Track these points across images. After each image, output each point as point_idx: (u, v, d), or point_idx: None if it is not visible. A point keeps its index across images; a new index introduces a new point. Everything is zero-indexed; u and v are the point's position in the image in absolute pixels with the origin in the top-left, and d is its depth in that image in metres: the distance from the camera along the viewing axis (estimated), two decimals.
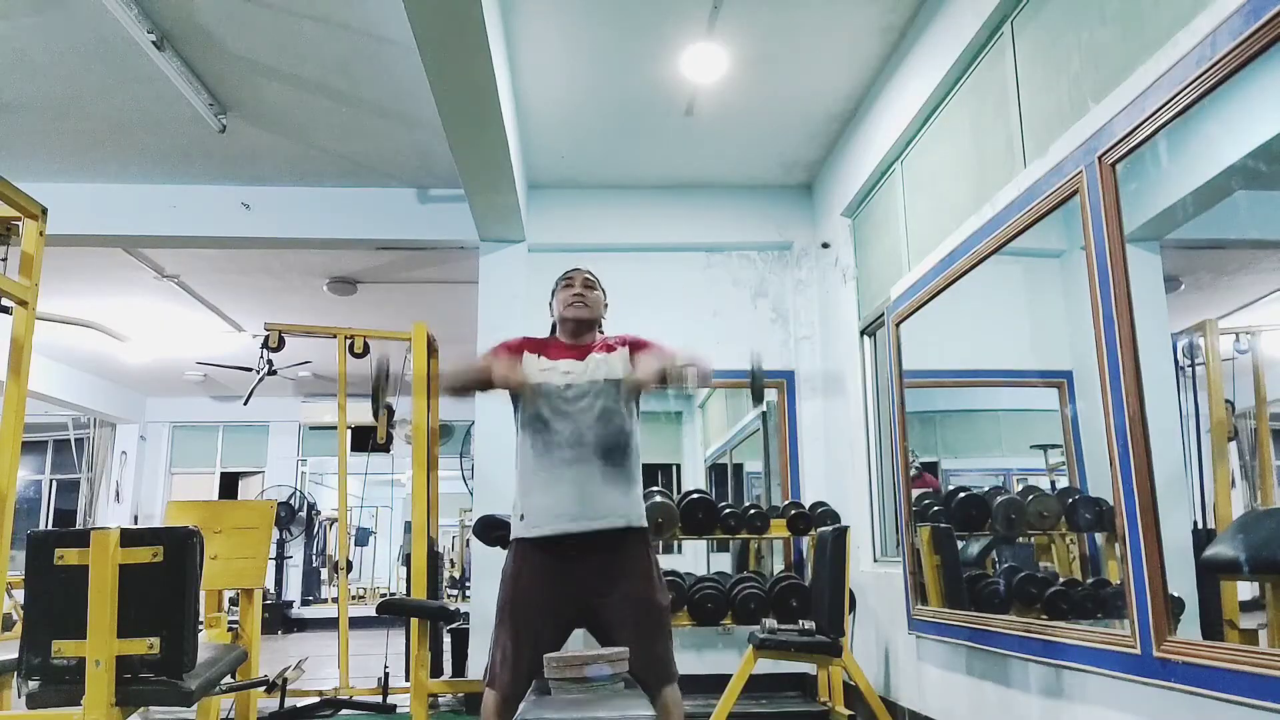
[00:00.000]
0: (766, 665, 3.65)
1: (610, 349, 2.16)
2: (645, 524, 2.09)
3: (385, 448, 4.10)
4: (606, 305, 2.30)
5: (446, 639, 4.56)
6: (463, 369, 2.10)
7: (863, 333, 4.15)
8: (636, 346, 2.17)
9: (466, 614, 4.25)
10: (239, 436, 10.01)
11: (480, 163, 3.72)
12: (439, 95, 3.14)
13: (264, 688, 3.43)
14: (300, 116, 4.02)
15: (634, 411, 2.15)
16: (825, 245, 4.61)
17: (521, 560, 2.00)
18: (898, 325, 3.44)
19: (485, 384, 2.06)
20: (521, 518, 2.03)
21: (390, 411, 3.91)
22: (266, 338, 3.78)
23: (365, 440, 4.19)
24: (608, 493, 2.01)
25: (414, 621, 3.67)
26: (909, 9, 3.24)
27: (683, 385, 1.99)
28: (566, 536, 1.97)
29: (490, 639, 1.99)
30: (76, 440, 9.25)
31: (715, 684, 3.78)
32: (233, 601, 4.27)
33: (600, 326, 2.23)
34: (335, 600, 6.85)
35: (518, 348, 2.16)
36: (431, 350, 3.80)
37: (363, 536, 10.52)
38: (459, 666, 4.39)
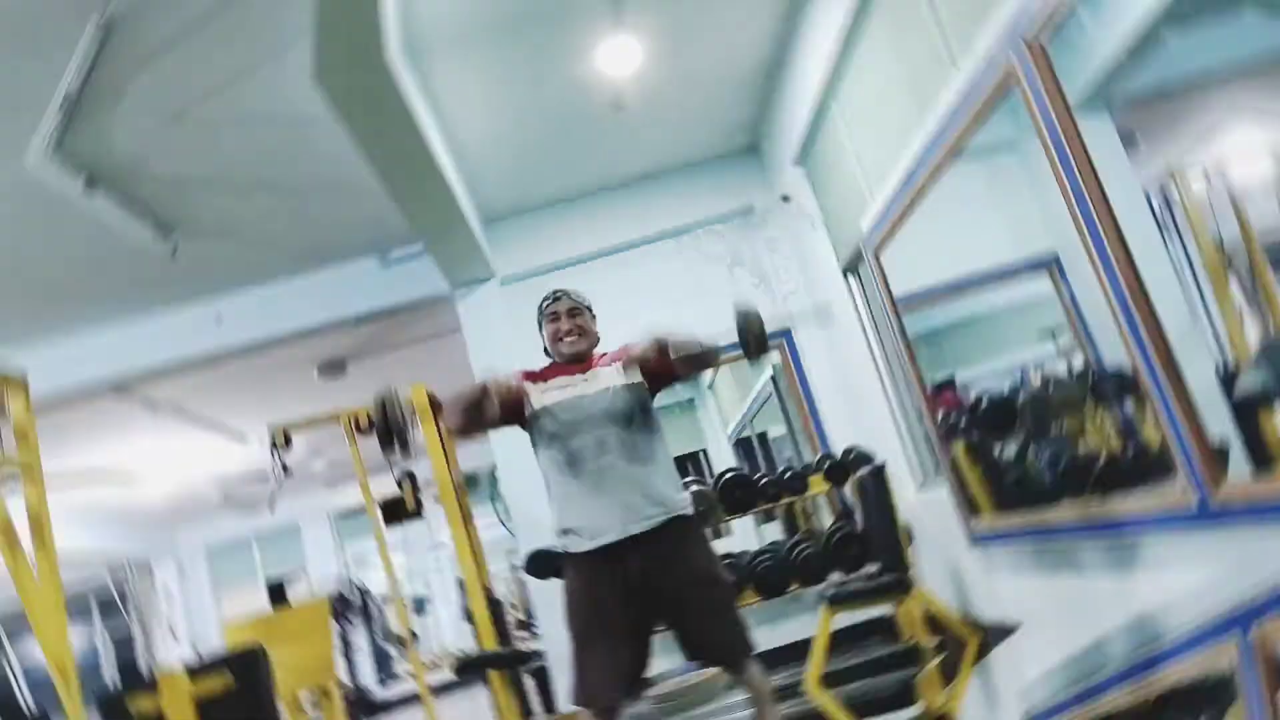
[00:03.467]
0: (844, 618, 3.65)
1: (612, 361, 2.18)
2: (689, 509, 2.12)
3: (418, 514, 4.18)
4: (595, 317, 2.27)
5: (530, 681, 4.58)
6: (458, 398, 2.09)
7: (845, 272, 4.19)
8: (633, 349, 2.19)
9: (541, 652, 4.29)
10: (274, 542, 10.41)
11: (430, 214, 3.80)
12: (373, 160, 3.22)
13: None
14: (245, 217, 4.13)
15: (651, 409, 2.16)
16: (785, 198, 4.67)
17: (579, 575, 2.04)
18: (877, 255, 3.50)
19: (487, 411, 2.05)
20: (566, 533, 2.06)
21: (413, 479, 3.96)
22: (273, 439, 3.86)
23: (397, 512, 4.30)
24: (644, 492, 2.02)
25: (493, 674, 3.73)
26: None
27: (690, 363, 2.03)
28: (615, 545, 2.00)
29: (570, 662, 2.01)
30: (119, 591, 9.47)
31: (797, 652, 3.79)
32: (314, 703, 4.31)
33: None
34: (411, 674, 6.94)
35: (518, 385, 2.16)
36: (435, 407, 3.87)
37: (420, 605, 10.79)
38: (548, 704, 4.44)
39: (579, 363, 2.19)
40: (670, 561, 2.01)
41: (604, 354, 2.24)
